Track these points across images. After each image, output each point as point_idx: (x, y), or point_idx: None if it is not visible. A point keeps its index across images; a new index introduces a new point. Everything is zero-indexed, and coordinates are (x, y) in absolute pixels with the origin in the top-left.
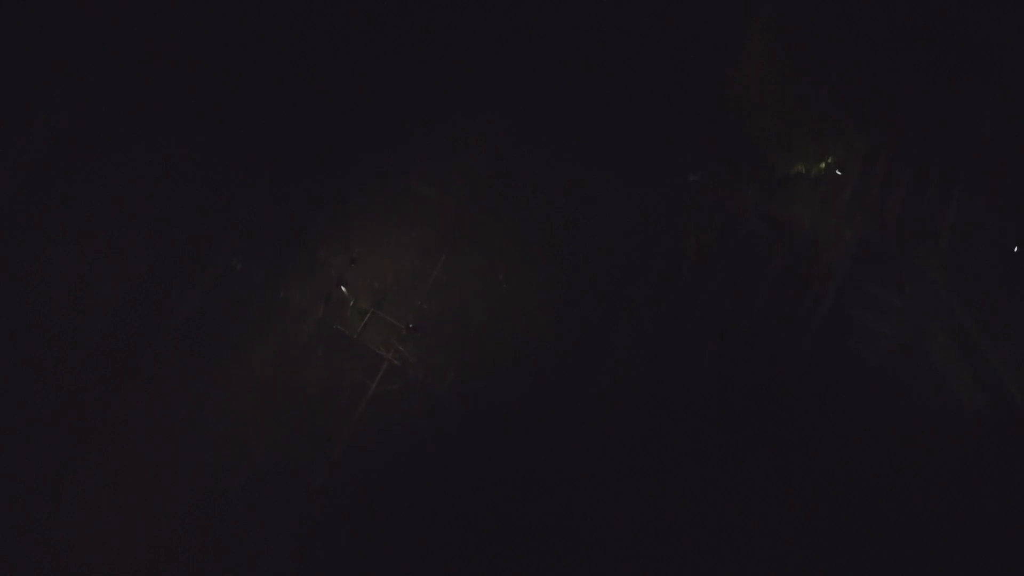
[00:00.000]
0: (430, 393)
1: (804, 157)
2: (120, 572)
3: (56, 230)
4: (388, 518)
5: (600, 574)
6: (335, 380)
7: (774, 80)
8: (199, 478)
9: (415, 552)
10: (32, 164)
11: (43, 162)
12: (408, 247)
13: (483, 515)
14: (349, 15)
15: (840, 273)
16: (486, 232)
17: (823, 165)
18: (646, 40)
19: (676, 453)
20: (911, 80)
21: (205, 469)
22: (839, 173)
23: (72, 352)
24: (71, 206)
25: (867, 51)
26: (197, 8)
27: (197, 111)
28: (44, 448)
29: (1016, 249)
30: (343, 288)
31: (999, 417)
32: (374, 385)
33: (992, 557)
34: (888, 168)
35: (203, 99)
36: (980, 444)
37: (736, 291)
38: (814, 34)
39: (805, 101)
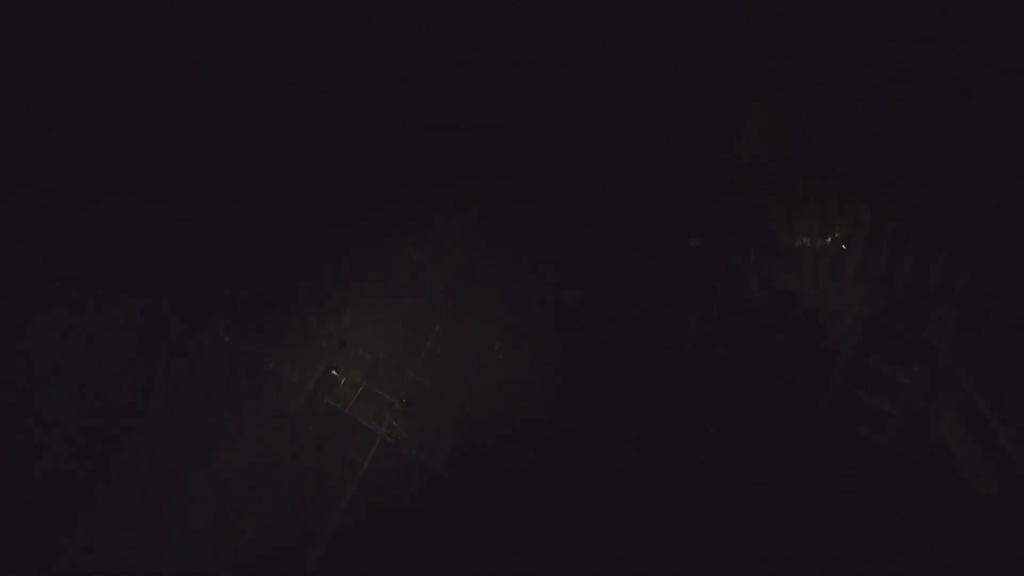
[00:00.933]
0: (425, 470)
1: (809, 231)
2: None
3: (39, 303)
4: None
5: None
6: (327, 457)
7: (777, 151)
8: (187, 561)
9: None
10: (15, 234)
11: (26, 233)
12: (401, 316)
13: None
14: (341, 79)
15: (847, 350)
16: (481, 301)
17: (828, 239)
18: (647, 107)
19: (677, 536)
20: (918, 152)
21: (194, 551)
22: (844, 247)
23: (55, 430)
24: (54, 278)
25: (873, 123)
26: (185, 74)
27: (186, 178)
28: (28, 531)
29: None
30: (333, 372)
31: (1010, 496)
32: (367, 462)
33: None
34: (895, 241)
35: (192, 166)
36: (991, 524)
37: (740, 368)
38: (818, 106)
39: (809, 174)
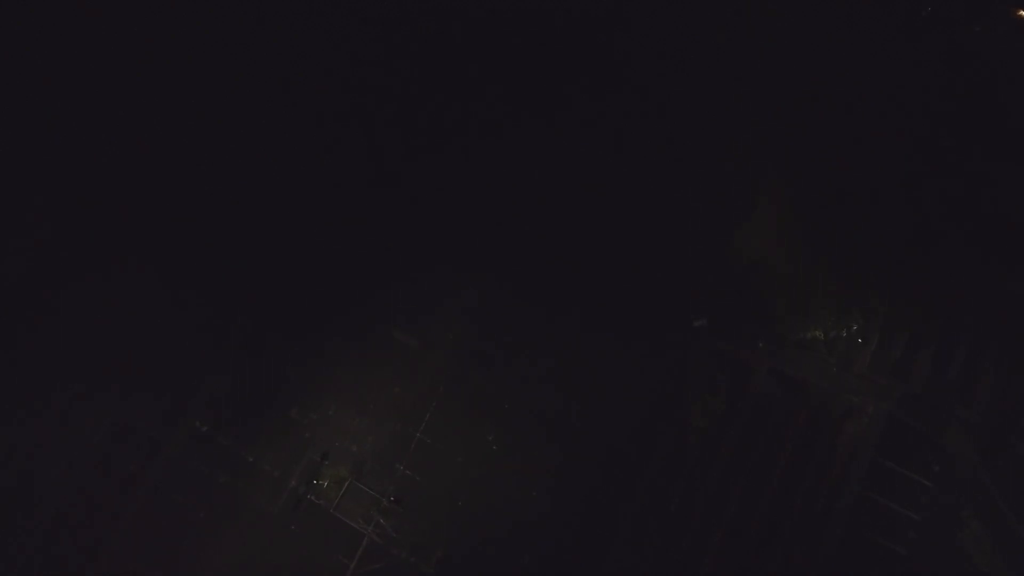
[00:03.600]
0: (416, 574)
1: (821, 323)
2: None
3: (7, 401)
4: None
5: None
6: (311, 560)
7: (784, 242)
8: None
9: None
10: None
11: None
12: (389, 406)
13: None
14: (328, 156)
15: (864, 451)
16: (473, 390)
17: (844, 332)
18: (651, 196)
19: None
20: (932, 245)
21: None
22: (860, 341)
23: (27, 538)
24: (23, 373)
25: (885, 218)
26: (170, 156)
27: (163, 261)
28: None
29: None
30: (316, 481)
31: None
32: (353, 565)
33: None
34: (912, 334)
35: (170, 249)
36: None
37: (750, 469)
38: (825, 198)
39: (819, 263)
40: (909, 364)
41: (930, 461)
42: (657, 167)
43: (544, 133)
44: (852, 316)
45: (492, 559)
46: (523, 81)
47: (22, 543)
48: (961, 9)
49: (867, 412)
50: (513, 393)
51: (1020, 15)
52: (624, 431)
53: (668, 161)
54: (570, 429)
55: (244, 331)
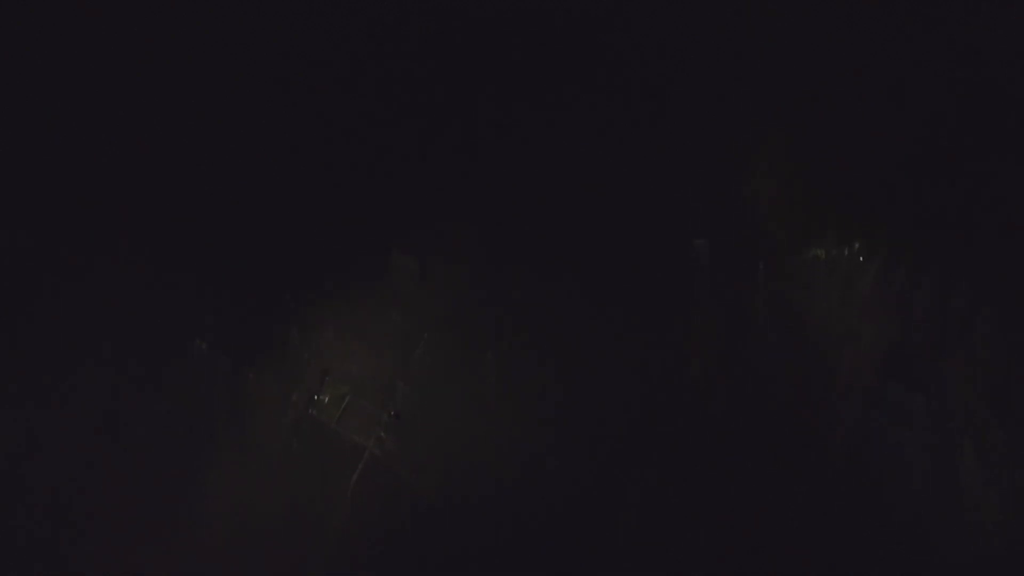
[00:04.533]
0: (415, 489)
1: (823, 240)
2: None
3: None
4: None
5: None
6: (313, 474)
7: (791, 161)
8: None
9: None
10: None
11: None
12: (388, 328)
13: None
14: (328, 84)
15: (864, 377)
16: (473, 308)
17: (845, 251)
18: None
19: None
20: (944, 170)
21: None
22: (862, 260)
23: (39, 455)
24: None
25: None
26: (160, 90)
27: (161, 188)
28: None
29: None
30: (317, 399)
31: None
32: (355, 477)
33: None
34: (916, 258)
35: (167, 177)
36: (1006, 569)
37: (748, 397)
38: (835, 119)
39: (825, 183)
40: (912, 289)
41: (929, 389)
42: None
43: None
44: (855, 237)
45: (491, 477)
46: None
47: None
48: None
49: (867, 336)
50: (513, 315)
51: None
52: (624, 354)
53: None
54: (570, 351)
55: (238, 253)
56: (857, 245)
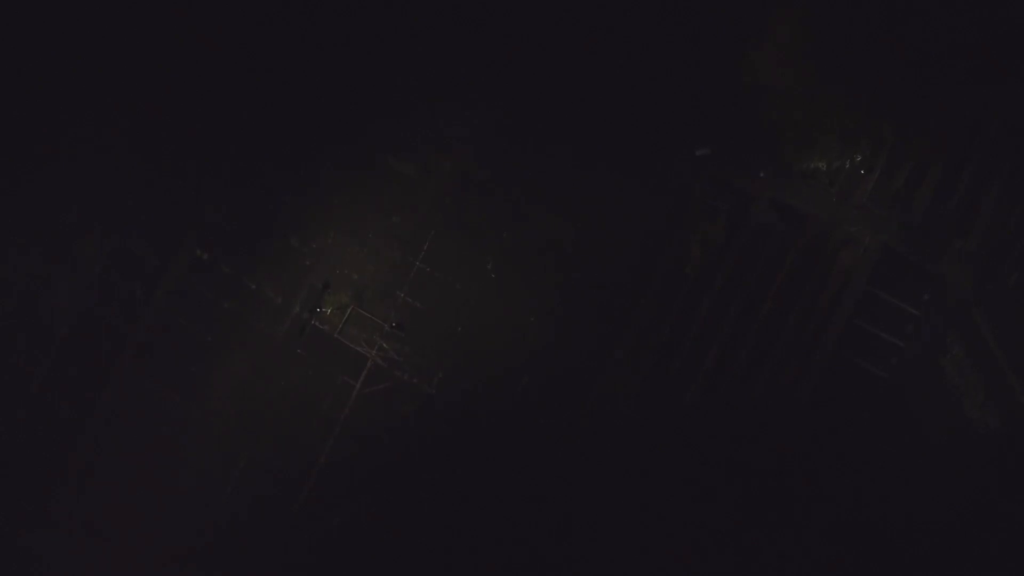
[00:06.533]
0: (418, 394)
1: (825, 153)
2: None
3: (5, 240)
4: (377, 525)
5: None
6: (317, 382)
7: (797, 70)
8: (181, 492)
9: (406, 557)
10: None
11: None
12: (388, 234)
13: (475, 519)
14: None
15: (857, 280)
16: (473, 218)
17: (847, 164)
18: (655, 20)
19: (675, 462)
20: (948, 72)
21: (185, 484)
22: (863, 172)
23: (36, 366)
24: (20, 212)
25: (900, 44)
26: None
27: (153, 96)
28: (21, 471)
29: None
30: (319, 309)
31: (1011, 433)
32: (358, 385)
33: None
34: (917, 163)
35: (160, 85)
36: (991, 462)
37: (744, 296)
38: (843, 26)
39: (830, 94)
40: (910, 195)
41: (921, 291)
42: None
43: None
44: (858, 146)
45: (491, 379)
46: None
47: (31, 369)
48: None
49: (864, 242)
50: (512, 222)
51: None
52: (623, 260)
53: None
54: (568, 257)
55: (236, 160)
56: (859, 157)
